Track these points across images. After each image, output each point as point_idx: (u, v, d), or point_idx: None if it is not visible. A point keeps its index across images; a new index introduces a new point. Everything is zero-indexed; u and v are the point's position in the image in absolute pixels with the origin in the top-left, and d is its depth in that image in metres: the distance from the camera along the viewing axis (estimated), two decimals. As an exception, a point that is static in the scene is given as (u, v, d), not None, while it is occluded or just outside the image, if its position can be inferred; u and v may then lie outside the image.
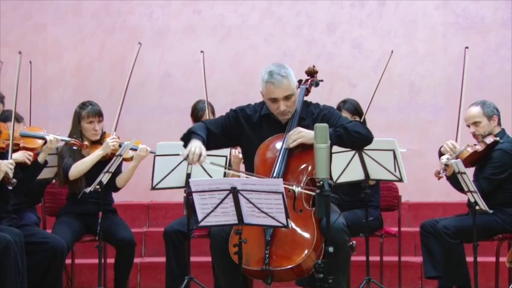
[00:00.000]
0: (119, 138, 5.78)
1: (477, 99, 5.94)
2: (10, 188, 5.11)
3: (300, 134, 4.56)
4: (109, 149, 5.71)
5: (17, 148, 5.36)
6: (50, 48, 8.21)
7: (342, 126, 4.58)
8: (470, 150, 5.66)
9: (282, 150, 4.60)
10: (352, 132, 4.58)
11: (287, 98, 4.64)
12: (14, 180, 5.08)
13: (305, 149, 4.56)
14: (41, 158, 5.48)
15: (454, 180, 5.53)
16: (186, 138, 4.58)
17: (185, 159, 4.44)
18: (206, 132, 4.62)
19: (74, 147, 5.73)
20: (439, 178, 5.64)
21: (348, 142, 4.65)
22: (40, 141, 5.48)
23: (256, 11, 8.21)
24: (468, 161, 5.66)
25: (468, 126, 5.84)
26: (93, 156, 5.76)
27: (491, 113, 5.78)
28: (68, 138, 5.68)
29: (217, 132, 4.71)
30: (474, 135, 5.83)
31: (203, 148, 4.44)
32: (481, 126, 5.77)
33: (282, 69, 4.66)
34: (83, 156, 5.83)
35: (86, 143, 5.78)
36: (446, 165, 5.54)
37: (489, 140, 5.71)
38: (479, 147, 5.70)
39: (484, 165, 5.75)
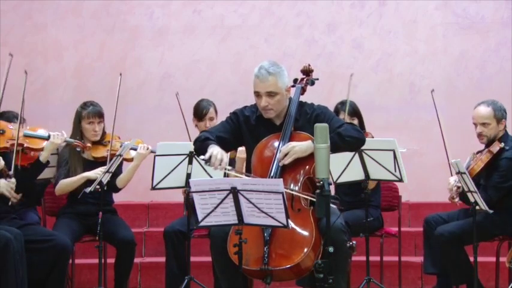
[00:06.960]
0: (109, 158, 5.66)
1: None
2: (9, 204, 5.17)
3: (294, 150, 4.53)
4: (96, 175, 5.64)
5: (20, 148, 5.36)
6: (50, 48, 8.20)
7: (336, 132, 4.55)
8: (481, 164, 5.58)
9: (279, 150, 4.59)
10: (345, 137, 4.57)
11: (270, 95, 4.64)
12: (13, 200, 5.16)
13: None
14: (43, 157, 5.48)
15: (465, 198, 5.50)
16: (201, 145, 4.62)
17: (207, 162, 4.46)
18: (218, 139, 4.66)
19: (78, 149, 5.75)
20: (453, 202, 5.65)
21: (342, 147, 4.65)
22: (44, 142, 5.48)
23: (256, 11, 8.21)
24: (478, 174, 5.61)
25: (475, 124, 5.73)
26: (79, 177, 5.74)
27: (501, 117, 5.68)
28: (71, 140, 5.69)
29: (228, 137, 4.75)
30: (480, 135, 5.72)
31: (224, 154, 4.50)
32: (489, 128, 5.67)
33: (273, 66, 4.66)
34: (82, 158, 5.84)
35: (88, 144, 5.79)
36: (458, 186, 5.52)
37: (495, 148, 5.62)
38: (486, 158, 5.61)
39: (491, 173, 5.66)
